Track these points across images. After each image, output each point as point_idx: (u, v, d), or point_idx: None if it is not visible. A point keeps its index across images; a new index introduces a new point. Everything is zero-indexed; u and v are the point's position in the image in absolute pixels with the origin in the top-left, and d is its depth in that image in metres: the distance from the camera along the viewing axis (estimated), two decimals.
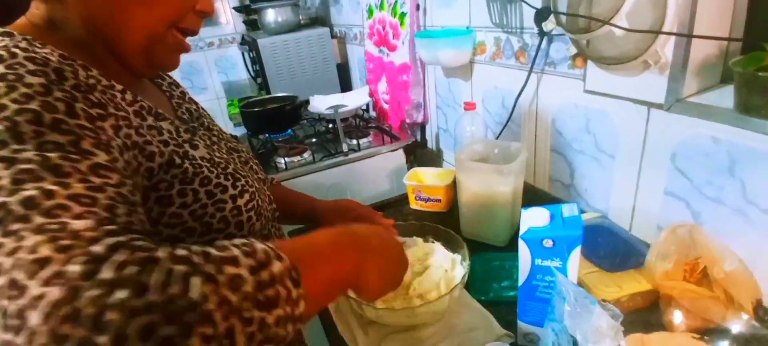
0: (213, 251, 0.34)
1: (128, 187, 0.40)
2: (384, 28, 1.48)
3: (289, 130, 1.54)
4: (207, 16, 0.56)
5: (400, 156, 1.34)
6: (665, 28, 0.67)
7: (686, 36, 0.66)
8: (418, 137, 1.43)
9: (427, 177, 1.11)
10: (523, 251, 0.62)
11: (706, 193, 0.69)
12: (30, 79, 0.39)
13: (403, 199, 1.13)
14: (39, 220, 0.33)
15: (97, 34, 0.49)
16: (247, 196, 0.58)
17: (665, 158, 0.73)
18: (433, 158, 1.46)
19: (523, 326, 0.67)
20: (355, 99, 1.58)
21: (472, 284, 0.79)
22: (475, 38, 1.11)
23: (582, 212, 0.63)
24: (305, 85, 1.89)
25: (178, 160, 0.52)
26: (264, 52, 1.82)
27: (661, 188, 0.75)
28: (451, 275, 0.76)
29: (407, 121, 1.47)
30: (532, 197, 0.96)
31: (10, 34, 0.44)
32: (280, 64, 1.88)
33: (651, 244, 0.75)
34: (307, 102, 1.60)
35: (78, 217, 0.34)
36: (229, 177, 0.56)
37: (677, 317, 0.65)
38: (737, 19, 0.68)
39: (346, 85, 2.02)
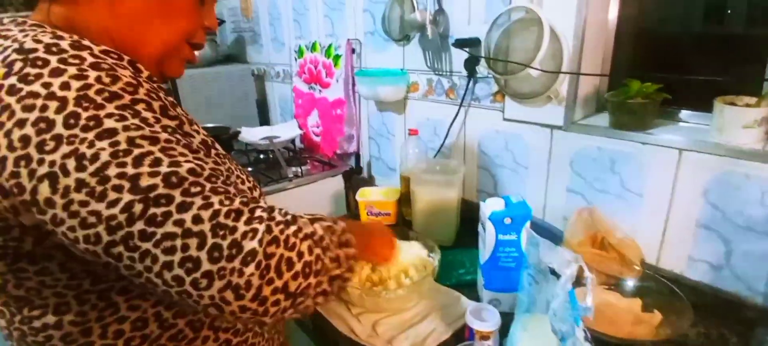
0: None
1: None
2: (316, 67, 1.62)
3: None
4: (212, 32, 0.64)
5: (339, 181, 1.45)
6: (561, 75, 0.95)
7: (576, 73, 0.95)
8: (354, 165, 1.56)
9: (374, 195, 1.25)
10: (490, 229, 0.80)
11: (595, 186, 0.97)
12: (122, 71, 0.44)
13: (349, 219, 1.24)
14: (208, 184, 0.42)
15: (114, 40, 0.53)
16: (258, 190, 0.66)
17: (566, 164, 1.01)
18: (366, 184, 1.60)
19: (488, 293, 0.84)
20: (287, 131, 1.66)
21: (436, 275, 0.94)
22: (409, 79, 1.33)
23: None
24: (223, 118, 1.89)
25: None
26: (182, 84, 1.79)
27: (564, 187, 1.02)
28: (426, 263, 0.91)
29: (338, 151, 1.60)
30: (464, 206, 1.16)
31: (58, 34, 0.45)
32: (197, 98, 1.86)
33: (563, 228, 1.01)
34: (237, 133, 1.62)
35: (224, 183, 0.44)
36: (242, 172, 0.64)
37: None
38: (604, 67, 1.01)
39: (264, 120, 2.07)
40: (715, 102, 0.80)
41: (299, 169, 1.41)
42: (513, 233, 0.79)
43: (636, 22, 1.01)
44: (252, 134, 1.61)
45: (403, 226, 1.16)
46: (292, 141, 1.68)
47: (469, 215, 1.03)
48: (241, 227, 0.41)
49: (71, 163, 0.38)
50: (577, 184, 1.00)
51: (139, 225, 0.38)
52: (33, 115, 0.38)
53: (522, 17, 0.97)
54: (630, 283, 0.85)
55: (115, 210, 0.38)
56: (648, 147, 0.86)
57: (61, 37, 0.43)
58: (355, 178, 1.52)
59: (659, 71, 0.98)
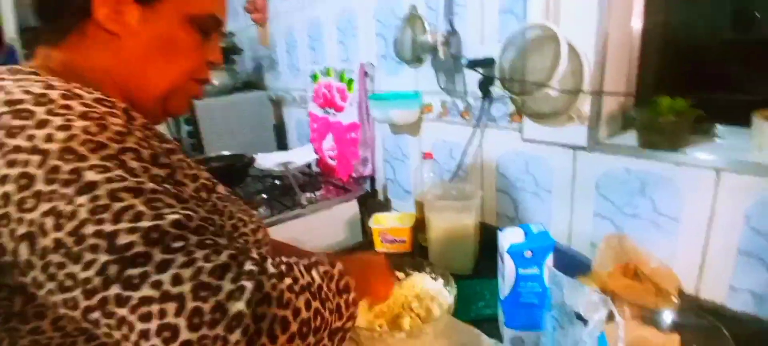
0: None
1: None
2: (330, 92, 1.61)
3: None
4: (218, 67, 0.63)
5: (354, 206, 1.42)
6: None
7: (599, 93, 0.89)
8: (369, 188, 1.53)
9: (388, 221, 1.21)
10: (509, 263, 0.74)
11: (625, 211, 0.90)
12: (112, 119, 0.42)
13: (363, 246, 1.21)
14: (194, 237, 0.38)
15: (117, 83, 0.52)
16: (262, 232, 0.62)
17: (591, 187, 0.94)
18: (382, 208, 1.56)
19: (509, 331, 0.78)
20: (302, 156, 1.65)
21: (453, 310, 0.88)
22: (422, 101, 1.29)
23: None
24: (241, 145, 1.90)
25: (204, 195, 0.55)
26: (201, 113, 1.81)
27: (591, 211, 0.96)
28: (440, 298, 0.85)
29: (353, 174, 1.58)
30: (483, 231, 1.11)
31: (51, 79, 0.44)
32: (216, 126, 1.88)
33: (589, 257, 0.94)
34: (252, 160, 1.62)
35: (214, 235, 0.40)
36: (245, 213, 0.61)
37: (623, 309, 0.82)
38: (629, 82, 0.95)
39: (282, 145, 2.07)
40: (754, 117, 0.73)
41: (313, 195, 1.39)
42: (534, 266, 0.74)
43: (663, 30, 0.94)
44: (268, 160, 1.61)
45: (418, 255, 1.12)
46: (308, 165, 1.67)
47: (488, 241, 0.97)
48: (227, 286, 0.37)
49: (50, 222, 0.36)
50: (605, 208, 0.93)
51: (115, 289, 0.35)
52: (15, 171, 0.37)
53: (538, 35, 0.92)
54: (667, 316, 0.77)
55: (91, 272, 0.35)
56: (682, 168, 0.79)
57: (52, 87, 0.42)
58: (371, 202, 1.48)
59: (689, 82, 0.92)
